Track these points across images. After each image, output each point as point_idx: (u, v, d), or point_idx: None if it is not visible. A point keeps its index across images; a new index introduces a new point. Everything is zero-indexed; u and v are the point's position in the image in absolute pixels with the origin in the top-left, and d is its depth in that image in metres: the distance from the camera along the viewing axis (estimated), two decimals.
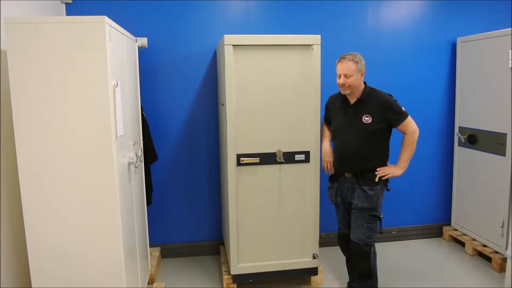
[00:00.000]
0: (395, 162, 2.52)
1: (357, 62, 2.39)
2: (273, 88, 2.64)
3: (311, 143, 2.70)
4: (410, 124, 2.45)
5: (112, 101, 1.85)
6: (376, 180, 2.47)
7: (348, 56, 2.41)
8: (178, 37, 3.21)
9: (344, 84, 2.42)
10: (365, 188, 2.46)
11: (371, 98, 2.46)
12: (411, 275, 3.05)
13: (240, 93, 2.60)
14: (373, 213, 2.46)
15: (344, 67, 2.40)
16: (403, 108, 2.45)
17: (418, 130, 2.47)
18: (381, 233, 2.53)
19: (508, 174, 2.94)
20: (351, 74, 2.39)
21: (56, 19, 2.00)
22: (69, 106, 1.82)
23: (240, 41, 2.55)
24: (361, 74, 2.43)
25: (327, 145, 2.70)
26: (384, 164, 2.50)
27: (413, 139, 2.47)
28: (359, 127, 2.45)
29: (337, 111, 2.58)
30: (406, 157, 2.49)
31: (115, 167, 1.88)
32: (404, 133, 2.49)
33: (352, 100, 2.50)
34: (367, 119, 2.44)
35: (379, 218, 2.48)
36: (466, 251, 3.39)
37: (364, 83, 2.50)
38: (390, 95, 2.50)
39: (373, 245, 2.50)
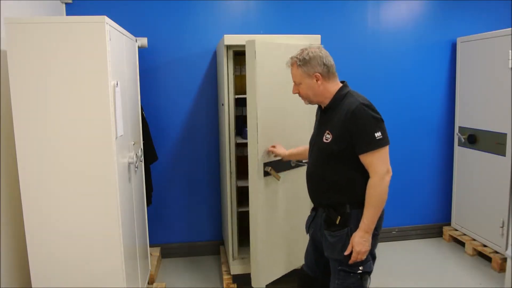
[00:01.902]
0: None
1: (300, 65, 1.77)
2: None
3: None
4: (378, 163, 1.66)
5: (112, 101, 1.85)
6: (337, 221, 1.76)
7: (291, 58, 1.82)
8: (178, 37, 3.21)
9: (298, 94, 1.86)
10: (326, 233, 1.81)
11: (341, 107, 1.75)
12: (411, 275, 3.05)
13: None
14: (341, 267, 1.77)
15: (291, 73, 1.84)
16: (378, 134, 1.65)
17: (390, 175, 1.69)
18: None
19: (508, 174, 2.94)
20: (299, 81, 1.80)
21: (56, 19, 2.01)
22: (69, 106, 1.82)
23: (240, 41, 2.55)
24: (316, 78, 1.76)
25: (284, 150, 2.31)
26: (358, 199, 1.74)
27: (379, 191, 1.67)
28: (320, 146, 1.82)
29: (315, 123, 1.98)
30: (368, 217, 1.69)
31: (115, 167, 1.88)
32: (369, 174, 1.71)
33: (323, 109, 1.89)
34: (328, 136, 1.76)
35: (359, 275, 1.75)
36: (466, 251, 3.39)
37: (343, 83, 1.84)
38: (367, 106, 1.69)
39: None
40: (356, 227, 1.74)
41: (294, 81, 1.84)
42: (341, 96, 1.78)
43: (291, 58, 1.83)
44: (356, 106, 1.68)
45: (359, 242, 1.71)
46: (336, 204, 1.79)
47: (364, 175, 1.73)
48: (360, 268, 1.76)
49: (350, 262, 1.74)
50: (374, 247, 1.80)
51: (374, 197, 1.68)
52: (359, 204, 1.74)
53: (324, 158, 1.80)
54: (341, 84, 1.82)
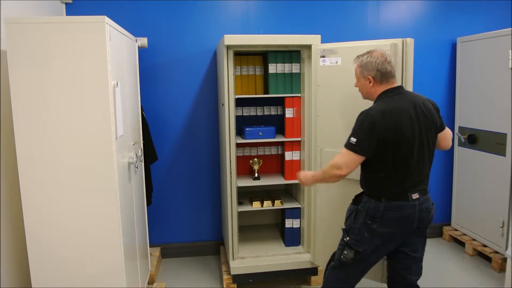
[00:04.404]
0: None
1: (359, 65, 2.01)
2: None
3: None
4: (340, 157, 1.92)
5: (112, 101, 1.85)
6: (355, 198, 2.10)
7: (356, 57, 2.05)
8: (178, 37, 3.21)
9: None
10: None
11: None
12: None
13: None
14: (343, 232, 2.07)
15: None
16: (354, 139, 1.88)
17: (339, 173, 1.90)
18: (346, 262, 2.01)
19: (508, 174, 2.94)
20: (357, 79, 2.06)
21: (56, 19, 2.00)
22: (69, 106, 1.82)
23: (240, 41, 2.55)
24: (369, 80, 1.98)
25: None
26: (373, 194, 1.98)
27: (325, 171, 1.96)
28: None
29: None
30: (317, 175, 2.08)
31: (115, 167, 1.88)
32: None
33: None
34: None
35: (346, 242, 2.01)
36: (466, 251, 3.39)
37: (394, 88, 1.98)
38: (369, 114, 1.87)
39: (338, 269, 2.06)
40: (363, 209, 1.99)
41: (356, 77, 2.07)
42: (378, 99, 1.99)
43: (357, 56, 2.04)
44: (361, 113, 1.91)
45: (303, 174, 2.16)
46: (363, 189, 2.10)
47: (377, 175, 1.96)
48: (347, 238, 2.02)
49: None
50: (360, 236, 1.98)
51: (325, 173, 1.99)
52: (373, 195, 1.98)
53: None
54: (388, 88, 1.98)
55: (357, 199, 2.10)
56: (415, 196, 1.94)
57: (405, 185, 1.93)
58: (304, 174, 2.16)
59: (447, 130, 2.10)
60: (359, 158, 1.89)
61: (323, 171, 2.02)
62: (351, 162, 1.90)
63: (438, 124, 2.02)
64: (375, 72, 1.95)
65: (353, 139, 1.88)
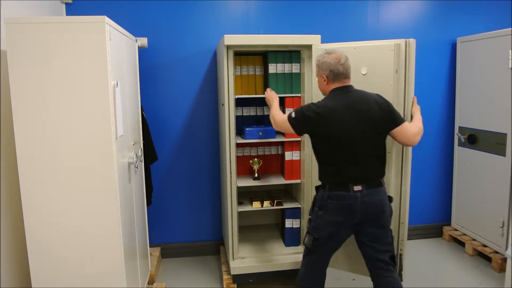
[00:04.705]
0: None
1: (316, 65, 2.18)
2: None
3: None
4: (284, 118, 2.19)
5: (112, 101, 1.85)
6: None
7: (317, 56, 2.20)
8: (178, 37, 3.21)
9: None
10: None
11: None
12: (411, 275, 3.05)
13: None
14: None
15: None
16: (293, 114, 2.14)
17: (274, 125, 2.30)
18: (308, 248, 2.17)
19: (508, 174, 2.94)
20: (316, 76, 2.23)
21: (56, 19, 2.01)
22: (69, 106, 1.82)
23: (240, 41, 2.55)
24: (323, 79, 2.14)
25: None
26: (321, 183, 2.17)
27: (271, 115, 2.35)
28: None
29: None
30: (271, 108, 2.43)
31: (115, 167, 1.88)
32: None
33: None
34: None
35: (307, 232, 2.19)
36: (466, 251, 3.39)
37: (342, 87, 2.12)
38: (308, 105, 2.12)
39: (306, 255, 2.22)
40: (319, 198, 2.16)
41: (316, 75, 2.24)
42: (327, 95, 2.16)
43: (317, 56, 2.19)
44: (311, 102, 2.16)
45: (268, 93, 2.56)
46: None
47: (322, 166, 2.17)
48: (308, 225, 2.21)
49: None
50: (316, 223, 2.14)
51: (271, 111, 2.39)
52: (321, 185, 2.17)
53: None
54: (338, 86, 2.13)
55: (317, 190, 2.24)
56: (357, 188, 2.05)
57: (345, 177, 2.08)
58: (271, 98, 2.49)
59: (405, 127, 2.13)
60: (291, 130, 2.17)
61: (271, 111, 2.37)
62: (283, 127, 2.22)
63: (385, 121, 2.10)
64: (328, 72, 2.10)
65: (293, 115, 2.13)
